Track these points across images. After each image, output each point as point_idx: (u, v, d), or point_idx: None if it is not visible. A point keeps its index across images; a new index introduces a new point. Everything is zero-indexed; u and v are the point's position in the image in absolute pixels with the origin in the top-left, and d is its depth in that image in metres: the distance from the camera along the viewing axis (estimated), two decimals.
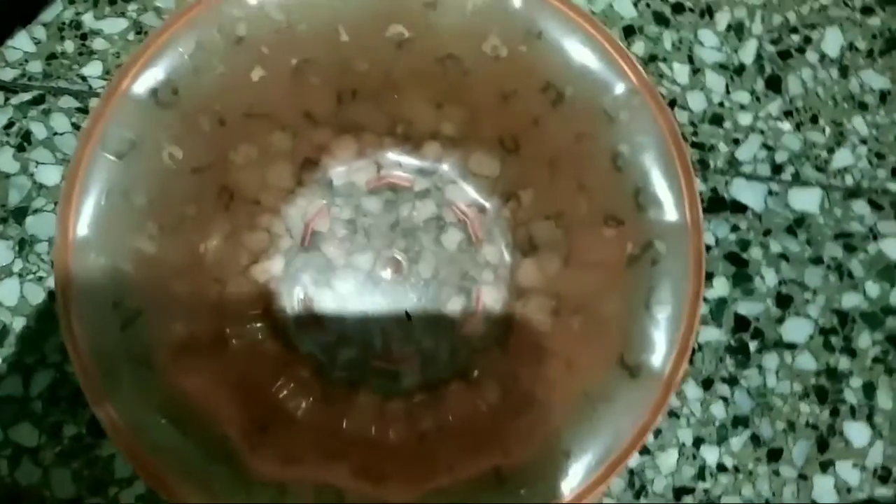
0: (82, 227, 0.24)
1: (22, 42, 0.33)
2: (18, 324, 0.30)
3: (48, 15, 0.34)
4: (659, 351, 0.24)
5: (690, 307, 0.24)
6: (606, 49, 0.27)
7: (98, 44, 0.34)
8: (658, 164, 0.26)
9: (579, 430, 0.24)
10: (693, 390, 0.31)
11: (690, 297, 0.24)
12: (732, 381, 0.32)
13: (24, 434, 0.29)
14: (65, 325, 0.23)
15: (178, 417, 0.24)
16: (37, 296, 0.31)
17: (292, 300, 0.31)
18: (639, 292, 0.25)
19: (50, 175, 0.32)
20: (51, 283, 0.31)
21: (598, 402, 0.24)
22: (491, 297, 0.31)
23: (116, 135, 0.25)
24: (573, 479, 0.24)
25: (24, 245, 0.31)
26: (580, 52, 0.27)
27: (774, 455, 0.31)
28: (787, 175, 0.34)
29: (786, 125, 0.35)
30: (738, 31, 0.36)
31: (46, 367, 0.30)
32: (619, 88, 0.26)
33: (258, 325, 0.30)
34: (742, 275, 0.33)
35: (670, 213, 0.25)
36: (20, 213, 0.31)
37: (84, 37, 0.34)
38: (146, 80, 0.26)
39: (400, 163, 0.33)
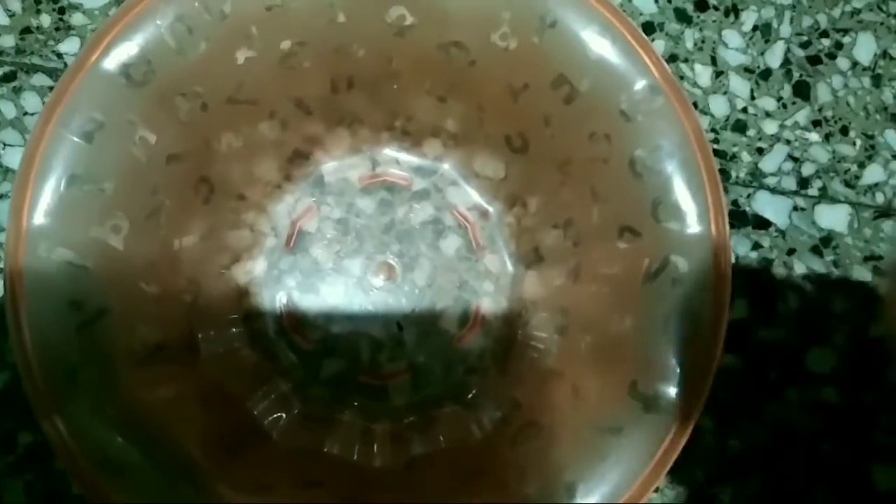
0: (38, 215, 0.22)
1: None
2: None
3: None
4: (676, 380, 0.22)
5: (712, 331, 0.22)
6: (627, 40, 0.24)
7: (77, 19, 0.31)
8: (681, 170, 0.23)
9: (585, 466, 0.22)
10: (707, 422, 0.29)
11: (712, 319, 0.22)
12: (751, 415, 0.29)
13: None
14: (12, 324, 0.21)
15: (137, 434, 0.21)
16: None
17: (274, 305, 0.28)
18: (655, 313, 0.23)
19: (18, 158, 0.30)
20: None
21: (608, 434, 0.22)
22: (491, 310, 0.29)
23: (82, 114, 0.23)
24: None
25: None
26: (597, 43, 0.24)
27: (795, 501, 0.28)
28: (814, 190, 0.32)
29: (813, 136, 0.32)
30: (764, 32, 0.33)
31: (3, 367, 0.28)
32: (639, 85, 0.24)
33: (235, 331, 0.28)
34: (763, 298, 0.30)
35: (693, 226, 0.23)
36: None
37: (62, 10, 0.31)
38: (118, 55, 0.23)
39: (397, 160, 0.30)
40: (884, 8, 0.34)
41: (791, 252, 0.31)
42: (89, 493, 0.20)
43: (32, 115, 0.30)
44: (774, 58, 0.33)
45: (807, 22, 0.34)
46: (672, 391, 0.21)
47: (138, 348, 0.24)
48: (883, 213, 0.32)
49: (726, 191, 0.31)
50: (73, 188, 0.22)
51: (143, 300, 0.24)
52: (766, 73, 0.33)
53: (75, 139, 0.22)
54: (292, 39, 0.26)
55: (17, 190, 0.22)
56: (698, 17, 0.33)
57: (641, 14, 0.33)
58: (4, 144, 0.30)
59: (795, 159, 0.32)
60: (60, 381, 0.21)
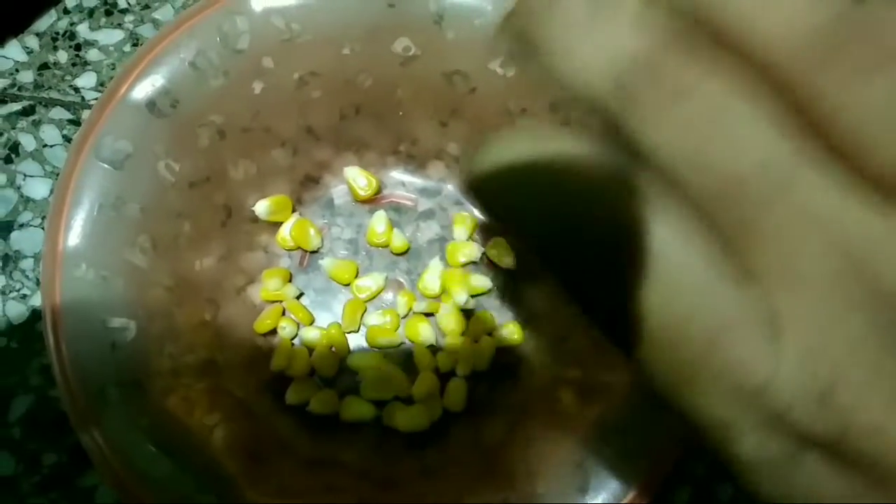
0: (73, 237, 0.23)
1: (13, 52, 0.32)
2: None
3: (41, 25, 0.33)
4: None
5: None
6: None
7: (93, 55, 0.33)
8: None
9: (594, 464, 0.23)
10: None
11: None
12: None
13: (1, 462, 0.28)
14: (52, 341, 0.22)
15: (169, 444, 0.22)
16: (20, 314, 0.29)
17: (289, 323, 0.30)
18: None
19: (38, 188, 0.31)
20: (35, 301, 0.29)
21: (615, 432, 0.23)
22: (497, 322, 0.30)
23: (112, 143, 0.24)
24: None
25: (8, 261, 0.30)
26: None
27: None
28: None
29: None
30: None
31: (27, 390, 0.28)
32: None
33: (253, 348, 0.29)
34: None
35: None
36: (5, 228, 0.30)
37: (78, 47, 0.33)
38: (144, 88, 0.25)
39: (403, 182, 0.32)
40: None
41: None
42: (127, 500, 0.21)
43: (52, 146, 0.31)
44: None
45: None
46: None
47: (166, 363, 0.25)
48: None
49: None
50: (104, 212, 0.24)
51: (168, 318, 0.26)
52: None
53: (106, 167, 0.24)
54: (303, 71, 0.28)
55: (53, 214, 0.23)
56: None
57: None
58: (25, 175, 0.31)
59: None
60: (97, 395, 0.22)
